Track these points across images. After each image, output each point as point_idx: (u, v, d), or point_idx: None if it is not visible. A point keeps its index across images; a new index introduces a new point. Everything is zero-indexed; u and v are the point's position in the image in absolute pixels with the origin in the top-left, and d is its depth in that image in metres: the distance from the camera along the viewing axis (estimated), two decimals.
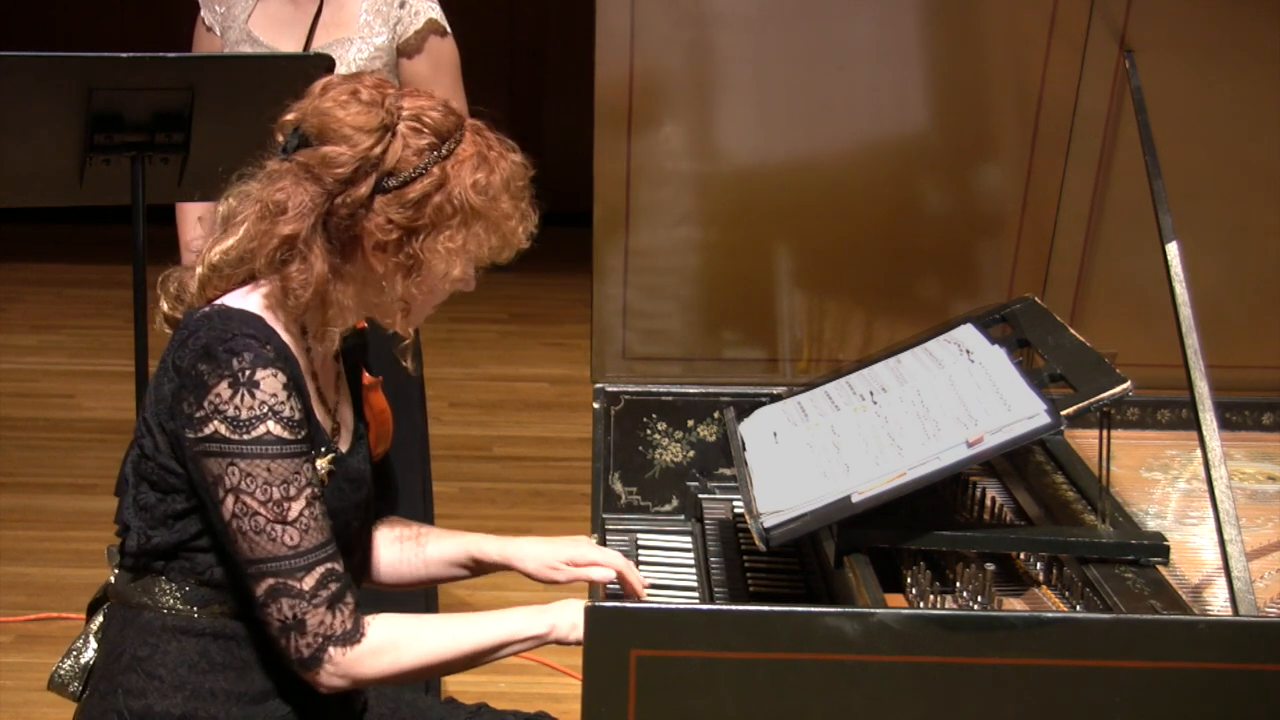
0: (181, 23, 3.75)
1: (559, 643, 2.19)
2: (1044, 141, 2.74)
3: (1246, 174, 2.76)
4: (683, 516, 2.85)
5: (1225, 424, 2.65)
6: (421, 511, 3.67)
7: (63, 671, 2.31)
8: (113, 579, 2.27)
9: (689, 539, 2.74)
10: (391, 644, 2.11)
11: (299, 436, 2.09)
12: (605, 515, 2.77)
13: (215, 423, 2.06)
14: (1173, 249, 2.46)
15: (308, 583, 2.07)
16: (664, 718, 1.96)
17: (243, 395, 2.06)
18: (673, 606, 2.25)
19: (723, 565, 2.60)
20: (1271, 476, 2.70)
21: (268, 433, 2.06)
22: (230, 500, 2.07)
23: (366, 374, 3.31)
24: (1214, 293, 2.66)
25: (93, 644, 2.29)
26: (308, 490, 2.09)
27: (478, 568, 2.47)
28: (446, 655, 2.15)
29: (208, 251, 2.20)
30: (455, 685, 3.48)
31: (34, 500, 5.26)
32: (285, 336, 2.14)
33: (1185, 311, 2.37)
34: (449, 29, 3.52)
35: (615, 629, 1.95)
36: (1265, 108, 2.70)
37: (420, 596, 3.71)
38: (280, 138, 2.20)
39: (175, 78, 3.10)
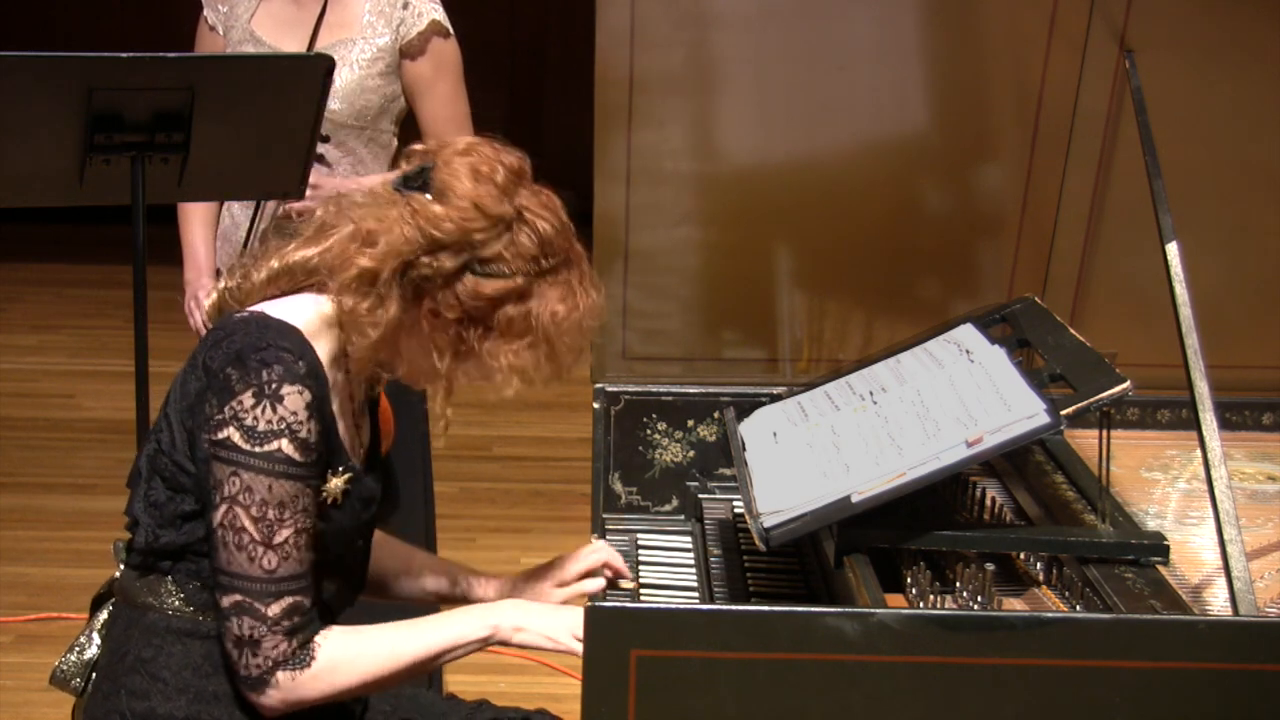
0: (182, 23, 3.75)
1: (503, 643, 2.19)
2: (1044, 141, 2.74)
3: (1246, 174, 2.76)
4: (683, 516, 2.85)
5: (1225, 424, 2.65)
6: (422, 512, 3.67)
7: (65, 667, 2.31)
8: (118, 574, 2.27)
9: (689, 539, 2.75)
10: (333, 666, 2.10)
11: (308, 460, 2.08)
12: (605, 515, 2.77)
13: (231, 428, 2.06)
14: (1173, 249, 2.46)
15: (273, 610, 2.07)
16: (664, 718, 1.96)
17: (265, 407, 2.05)
18: (673, 606, 2.25)
19: (723, 565, 2.60)
20: (1271, 476, 2.70)
21: (279, 450, 2.05)
22: (224, 508, 2.07)
23: None
24: (1214, 293, 2.66)
25: (96, 640, 2.29)
26: (300, 519, 2.08)
27: (464, 601, 2.48)
28: (387, 670, 2.14)
29: (291, 251, 2.18)
30: (455, 685, 3.48)
31: (34, 500, 5.26)
32: (322, 353, 2.12)
33: (1185, 311, 2.37)
34: (451, 30, 3.52)
35: (615, 629, 1.95)
36: (1265, 108, 2.70)
37: None
38: (405, 165, 2.19)
39: (175, 78, 3.10)
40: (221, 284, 2.24)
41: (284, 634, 2.07)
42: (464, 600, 2.48)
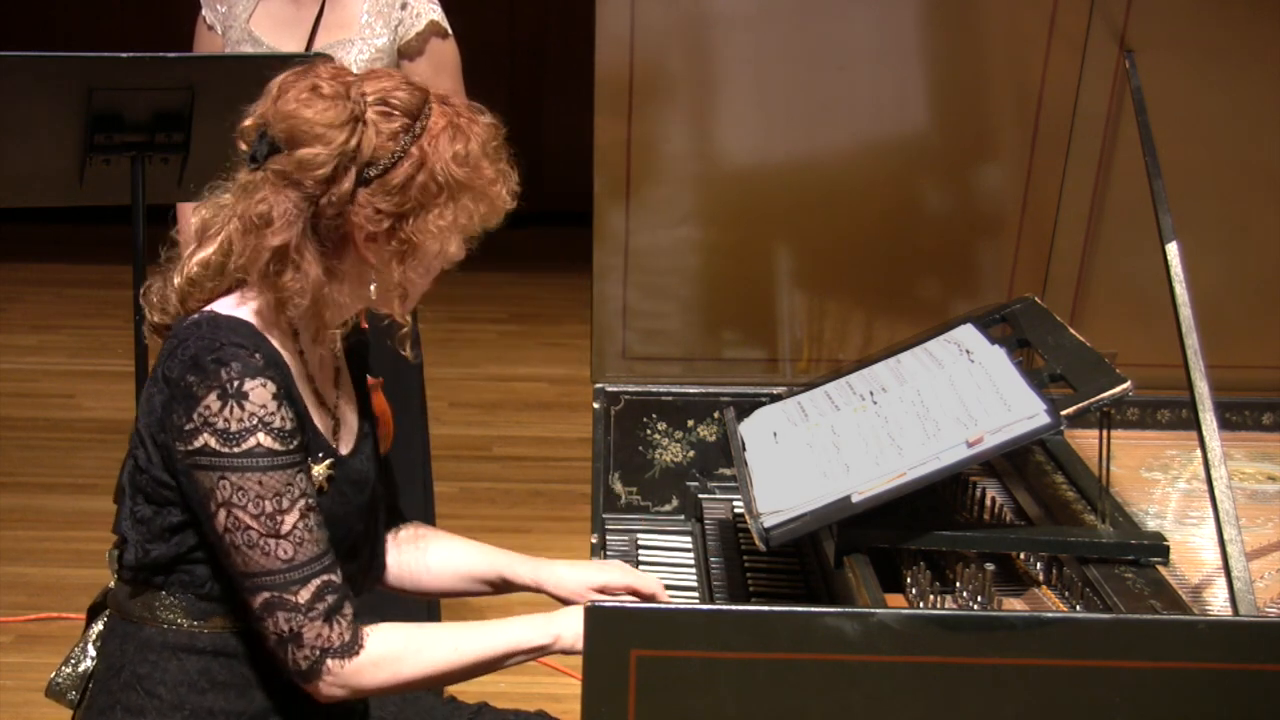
0: (181, 23, 3.75)
1: (565, 652, 2.17)
2: (1044, 141, 2.74)
3: (1246, 174, 2.76)
4: (683, 516, 2.85)
5: (1225, 424, 2.65)
6: (422, 512, 3.67)
7: (60, 680, 2.29)
8: (112, 585, 2.26)
9: (689, 539, 2.75)
10: (393, 656, 2.09)
11: (291, 447, 2.07)
12: (605, 515, 2.77)
13: (205, 435, 2.04)
14: (1173, 249, 2.46)
15: (303, 596, 2.05)
16: (664, 718, 1.96)
17: (232, 407, 2.03)
18: (673, 606, 2.25)
19: (723, 565, 2.60)
20: (1271, 476, 2.70)
21: (258, 445, 2.04)
22: (222, 514, 2.05)
23: (368, 375, 3.31)
24: (1214, 293, 2.66)
25: (91, 652, 2.28)
26: (301, 502, 2.07)
27: (505, 586, 2.45)
28: (449, 667, 2.14)
29: (186, 263, 2.17)
30: (455, 685, 3.48)
31: (34, 500, 5.26)
32: (276, 341, 2.11)
33: (1185, 311, 2.37)
34: (450, 30, 3.52)
35: (615, 629, 1.95)
36: (1265, 108, 2.70)
37: (421, 601, 3.72)
38: (244, 146, 2.16)
39: (175, 78, 3.10)
40: (147, 319, 2.22)
41: (322, 618, 2.05)
42: (504, 580, 2.43)
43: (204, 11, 3.59)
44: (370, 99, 2.11)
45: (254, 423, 2.04)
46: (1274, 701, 1.95)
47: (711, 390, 2.85)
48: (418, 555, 2.45)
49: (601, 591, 2.37)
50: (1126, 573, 2.22)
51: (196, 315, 2.13)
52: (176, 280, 2.18)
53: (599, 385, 2.85)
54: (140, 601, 2.17)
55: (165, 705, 2.14)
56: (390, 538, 2.43)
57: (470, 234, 2.18)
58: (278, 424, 2.05)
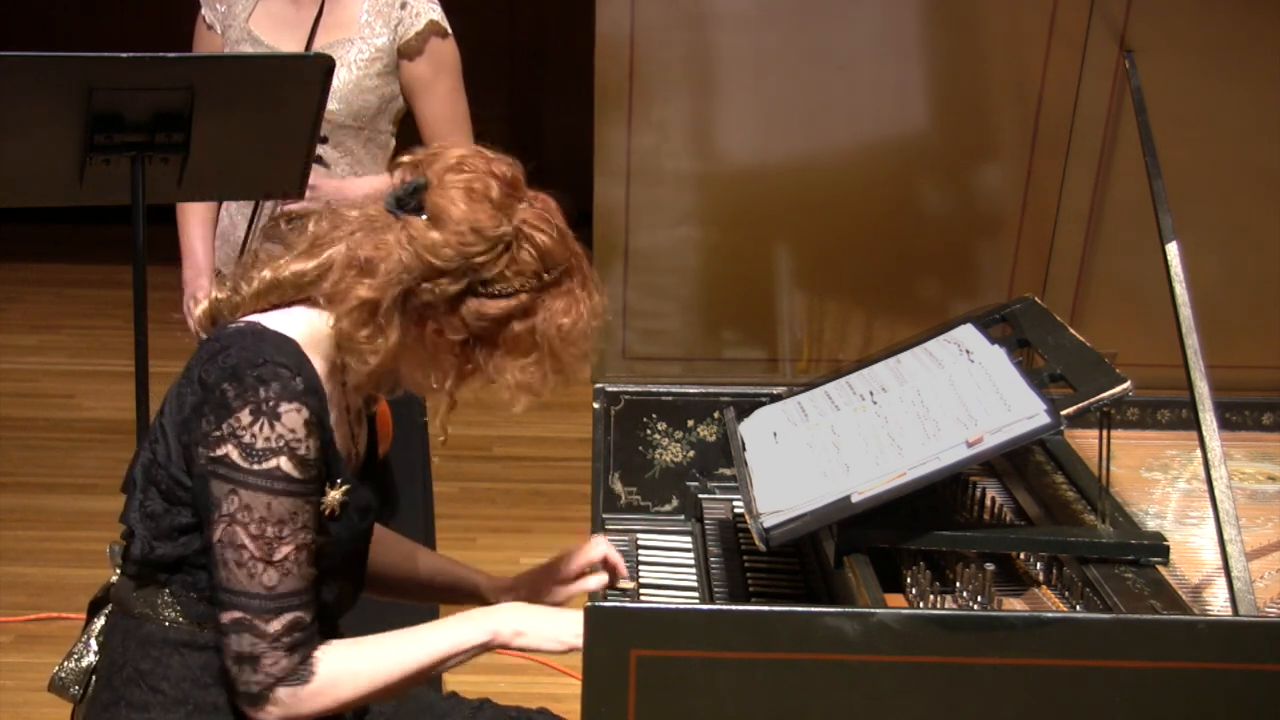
0: (181, 22, 3.75)
1: (504, 648, 2.18)
2: (1044, 141, 2.74)
3: (1246, 174, 2.76)
4: (683, 516, 2.85)
5: (1225, 424, 2.65)
6: (422, 512, 3.67)
7: (63, 674, 2.30)
8: (114, 580, 2.26)
9: (689, 539, 2.74)
10: (334, 680, 2.09)
11: (308, 477, 2.07)
12: (605, 515, 2.77)
13: (229, 446, 2.04)
14: (1173, 249, 2.46)
15: (274, 626, 2.05)
16: (664, 718, 1.96)
17: (263, 424, 2.03)
18: (673, 606, 2.25)
19: (723, 565, 2.60)
20: (1271, 476, 2.70)
21: (278, 468, 2.04)
22: (223, 526, 2.05)
23: None
24: (1214, 293, 2.66)
25: (93, 646, 2.28)
26: (301, 535, 2.06)
27: (464, 601, 2.48)
28: (385, 681, 2.13)
29: (284, 264, 2.15)
30: (456, 684, 3.48)
31: (34, 500, 5.26)
32: (319, 366, 2.10)
33: (1185, 311, 2.37)
34: (450, 30, 3.52)
35: (615, 629, 1.95)
36: (1265, 108, 2.70)
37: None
38: (396, 181, 2.14)
39: (175, 78, 3.09)
40: (213, 295, 2.22)
41: (284, 650, 2.06)
42: (466, 599, 2.47)
43: (204, 11, 3.59)
44: (524, 230, 2.10)
45: (280, 445, 2.04)
46: (1274, 701, 1.95)
47: (711, 390, 2.85)
48: (411, 570, 2.50)
49: (560, 585, 2.42)
50: (1126, 573, 2.22)
51: (242, 323, 2.12)
52: (266, 273, 2.16)
53: (599, 385, 2.85)
54: (142, 597, 2.17)
55: (169, 700, 2.15)
56: (383, 549, 2.45)
57: (535, 397, 2.16)
58: (302, 451, 2.05)
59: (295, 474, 2.05)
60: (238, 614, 2.06)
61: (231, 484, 2.04)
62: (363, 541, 2.27)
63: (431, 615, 3.70)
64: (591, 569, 2.43)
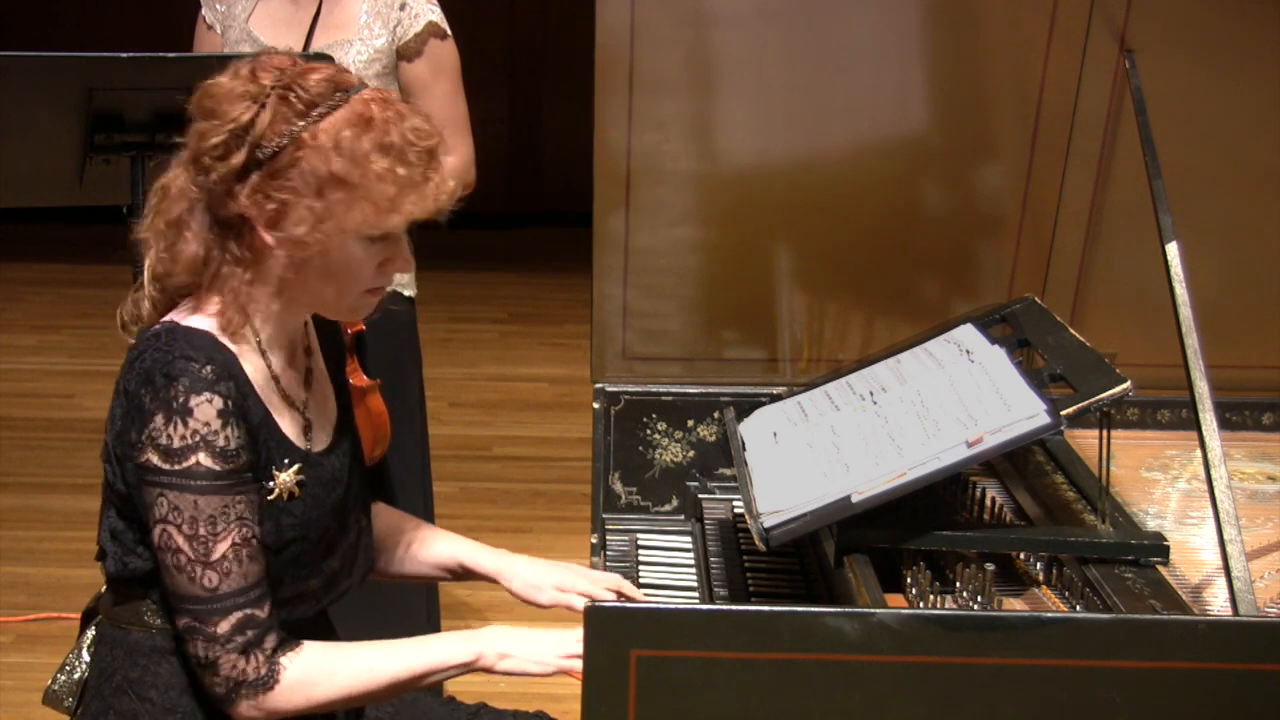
0: (181, 22, 3.75)
1: (486, 670, 2.17)
2: (1044, 141, 2.74)
3: (1246, 174, 2.76)
4: (683, 516, 2.85)
5: (1225, 424, 2.65)
6: (422, 512, 3.67)
7: (56, 687, 2.30)
8: (103, 592, 2.26)
9: (689, 539, 2.75)
10: (307, 681, 2.08)
11: (232, 467, 2.05)
12: (605, 515, 2.78)
13: (150, 451, 2.03)
14: (1173, 249, 2.46)
15: (222, 627, 2.04)
16: (664, 718, 1.96)
17: (176, 424, 2.02)
18: (673, 606, 2.25)
19: (723, 565, 2.60)
20: (1271, 476, 2.70)
21: (198, 464, 2.02)
22: (157, 531, 2.05)
23: (364, 376, 3.32)
24: (1214, 293, 2.66)
25: (85, 658, 2.28)
26: (235, 530, 2.04)
27: (466, 574, 2.46)
28: (363, 687, 2.12)
29: (148, 271, 2.15)
30: (454, 685, 3.48)
31: (34, 500, 5.26)
32: (236, 347, 2.08)
33: (1185, 311, 2.37)
34: (449, 31, 3.52)
35: (615, 629, 1.95)
36: (1265, 108, 2.70)
37: (422, 600, 3.72)
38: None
39: (175, 78, 3.09)
40: (119, 320, 2.20)
41: (238, 652, 2.05)
42: (464, 568, 2.45)
43: (204, 11, 3.59)
44: (283, 84, 2.04)
45: (195, 440, 2.02)
46: (1274, 701, 1.95)
47: (711, 390, 2.85)
48: (408, 547, 2.46)
49: (556, 589, 2.38)
50: (1126, 573, 2.22)
51: (158, 326, 2.11)
52: (148, 289, 2.16)
53: (599, 385, 2.85)
54: (126, 608, 2.18)
55: (157, 709, 2.14)
56: (380, 527, 2.44)
57: (373, 230, 2.05)
58: (220, 443, 2.03)
59: (216, 467, 2.03)
60: (186, 619, 2.06)
61: (158, 488, 2.04)
62: (339, 516, 2.23)
63: (431, 615, 3.72)
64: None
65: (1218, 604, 2.24)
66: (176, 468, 2.02)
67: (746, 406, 2.76)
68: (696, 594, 2.53)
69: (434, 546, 2.46)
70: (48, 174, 3.15)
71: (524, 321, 7.34)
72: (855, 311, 2.89)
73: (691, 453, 2.87)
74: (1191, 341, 2.33)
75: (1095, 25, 2.64)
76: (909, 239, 2.84)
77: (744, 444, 2.60)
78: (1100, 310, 2.86)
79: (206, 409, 2.03)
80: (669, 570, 2.63)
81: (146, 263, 2.14)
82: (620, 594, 2.39)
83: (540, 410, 6.27)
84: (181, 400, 2.02)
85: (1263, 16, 2.64)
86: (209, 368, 2.04)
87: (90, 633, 2.29)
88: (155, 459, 2.03)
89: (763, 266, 2.86)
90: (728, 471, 2.82)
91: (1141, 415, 2.89)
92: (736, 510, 2.78)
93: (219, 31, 3.56)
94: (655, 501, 2.87)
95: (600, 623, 1.95)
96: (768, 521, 2.25)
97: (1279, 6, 2.64)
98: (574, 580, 2.40)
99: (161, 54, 3.10)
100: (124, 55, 3.06)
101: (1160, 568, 2.24)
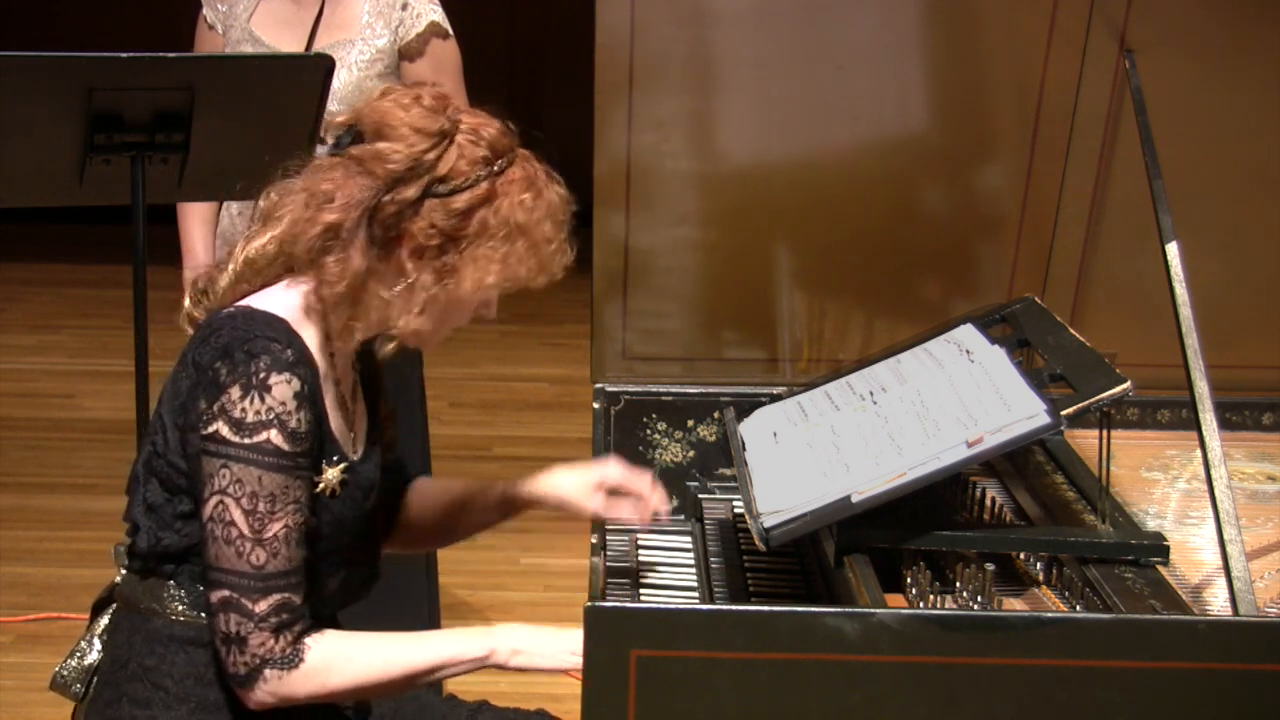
0: (181, 23, 3.75)
1: (499, 667, 2.17)
2: (1044, 141, 2.74)
3: (1246, 174, 2.76)
4: (683, 516, 2.85)
5: (1225, 424, 2.64)
6: None
7: (65, 672, 2.30)
8: (119, 579, 2.26)
9: (689, 539, 2.74)
10: (324, 667, 2.09)
11: (299, 450, 2.08)
12: None
13: (220, 422, 2.06)
14: (1173, 249, 2.46)
15: (261, 606, 2.06)
16: (664, 718, 1.96)
17: (253, 398, 2.05)
18: (673, 606, 2.25)
19: (723, 565, 2.60)
20: (1271, 476, 2.70)
21: (268, 441, 2.05)
22: (214, 502, 2.06)
23: None
24: (1214, 293, 2.66)
25: (97, 645, 2.29)
26: (291, 512, 2.07)
27: (506, 506, 2.51)
28: (378, 677, 2.13)
29: (243, 247, 2.19)
30: (455, 684, 3.48)
31: (34, 500, 5.26)
32: (309, 340, 2.13)
33: (1185, 311, 2.37)
34: (451, 31, 3.52)
35: (615, 629, 1.95)
36: (1265, 108, 2.70)
37: (423, 600, 3.72)
38: (329, 137, 2.22)
39: (175, 78, 3.10)
40: (189, 296, 2.24)
41: (270, 631, 2.06)
42: (511, 506, 2.50)
43: (204, 11, 3.59)
44: (464, 125, 2.17)
45: (270, 418, 2.05)
46: (1274, 701, 1.95)
47: (711, 390, 2.85)
48: (417, 499, 2.51)
49: (600, 488, 2.45)
50: (1126, 573, 2.22)
51: (232, 308, 2.14)
52: (231, 266, 2.19)
53: (599, 385, 2.85)
54: (148, 591, 2.18)
55: (171, 697, 2.15)
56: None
57: (514, 283, 2.21)
58: (293, 424, 2.06)
59: (285, 447, 2.06)
60: (225, 593, 2.06)
61: (223, 459, 2.05)
62: (368, 523, 2.27)
63: (431, 614, 3.72)
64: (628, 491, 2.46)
65: (1218, 604, 2.23)
66: (247, 441, 2.05)
67: (746, 406, 2.76)
68: (696, 594, 2.53)
69: (462, 489, 2.52)
70: (48, 174, 3.15)
71: (524, 321, 7.34)
72: (855, 311, 2.89)
73: (691, 453, 2.86)
74: (1191, 341, 2.33)
75: (1095, 25, 2.64)
76: (909, 239, 2.84)
77: (744, 444, 2.60)
78: (1100, 310, 2.86)
79: (284, 389, 2.06)
80: (669, 570, 2.63)
81: (259, 239, 2.17)
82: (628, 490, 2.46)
83: (540, 410, 6.27)
84: (261, 376, 2.05)
85: (1263, 16, 2.64)
86: (290, 351, 2.08)
87: (103, 621, 2.29)
88: (225, 430, 2.05)
89: (763, 266, 2.86)
90: (728, 471, 2.82)
91: (1141, 415, 2.88)
92: (736, 510, 2.78)
93: (220, 31, 3.56)
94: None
95: (600, 623, 1.95)
96: (768, 521, 2.25)
97: (1279, 7, 2.64)
98: (613, 472, 2.47)
99: (161, 54, 3.10)
100: (124, 55, 3.06)
101: (1160, 568, 2.24)
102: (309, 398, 2.09)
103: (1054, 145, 2.74)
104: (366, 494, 2.24)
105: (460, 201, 2.14)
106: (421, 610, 3.69)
